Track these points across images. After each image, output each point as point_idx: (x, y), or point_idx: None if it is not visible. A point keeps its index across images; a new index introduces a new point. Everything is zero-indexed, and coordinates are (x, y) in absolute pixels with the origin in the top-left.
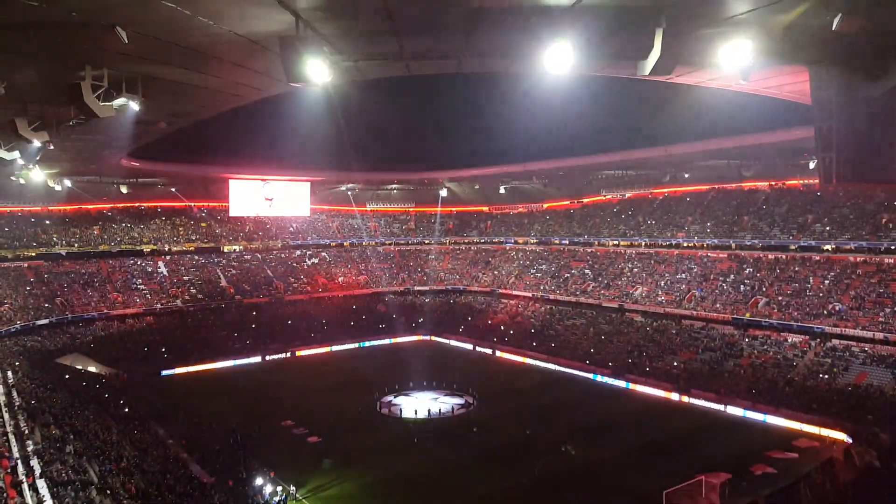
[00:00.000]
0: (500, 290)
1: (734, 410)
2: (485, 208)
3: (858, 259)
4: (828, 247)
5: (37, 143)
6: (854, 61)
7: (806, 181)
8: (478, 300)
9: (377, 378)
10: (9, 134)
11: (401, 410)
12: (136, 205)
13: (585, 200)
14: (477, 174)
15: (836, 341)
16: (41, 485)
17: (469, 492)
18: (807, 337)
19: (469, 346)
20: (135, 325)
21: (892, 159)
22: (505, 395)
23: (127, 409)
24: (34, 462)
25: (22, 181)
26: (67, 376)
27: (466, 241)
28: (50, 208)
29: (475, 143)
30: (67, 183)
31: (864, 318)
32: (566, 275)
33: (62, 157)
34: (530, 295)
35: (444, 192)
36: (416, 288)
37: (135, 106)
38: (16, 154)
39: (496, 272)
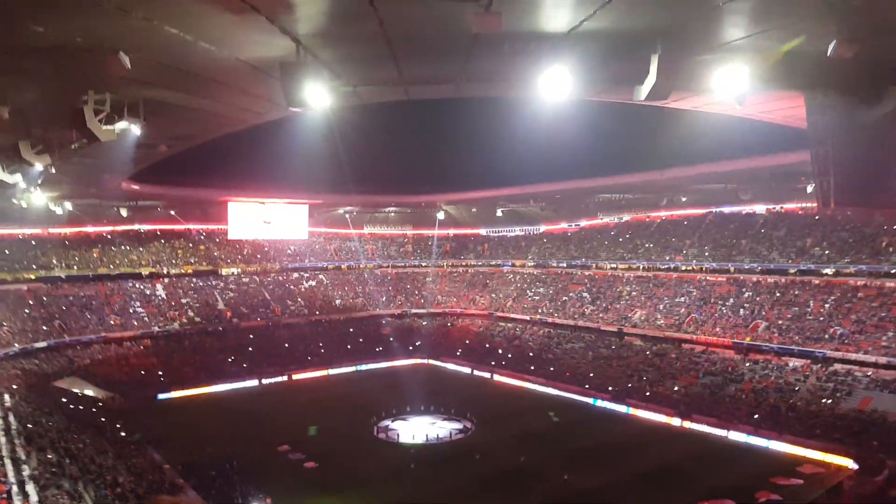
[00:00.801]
0: (498, 314)
1: (736, 436)
2: (482, 231)
3: (859, 283)
4: (828, 270)
5: (39, 167)
6: (849, 87)
7: (804, 205)
8: (475, 323)
9: (374, 402)
10: (11, 157)
11: (398, 435)
12: (136, 228)
13: (583, 223)
14: (474, 197)
15: (838, 366)
16: None
17: None
18: (808, 361)
19: (467, 370)
20: (132, 349)
21: (888, 184)
22: (503, 419)
23: (123, 434)
24: (30, 487)
25: (23, 204)
26: (65, 399)
27: (464, 263)
28: (50, 231)
29: (472, 167)
30: (68, 206)
31: (866, 342)
32: (564, 298)
33: (63, 180)
34: (528, 318)
35: (441, 215)
36: (414, 311)
37: (136, 130)
38: (18, 177)
39: (494, 295)
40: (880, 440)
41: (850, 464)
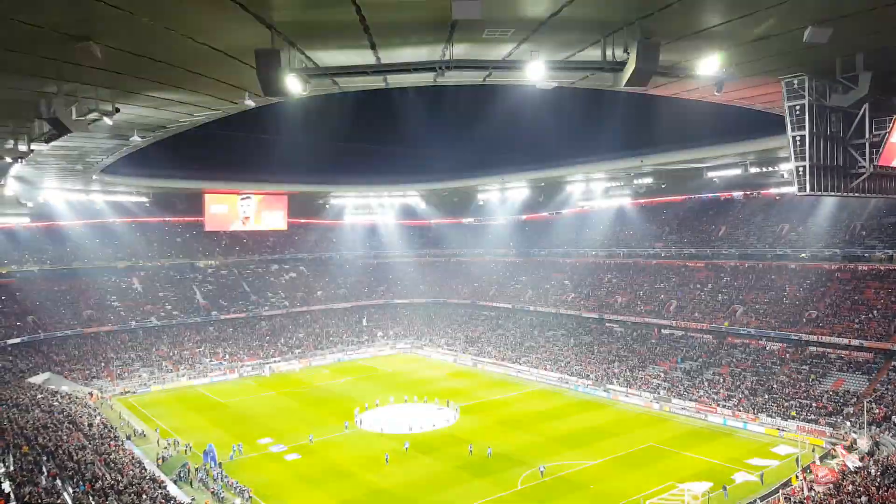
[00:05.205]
0: (481, 302)
1: (714, 419)
2: (464, 220)
3: (833, 267)
4: (803, 255)
5: (8, 159)
6: (824, 72)
7: (781, 191)
8: (458, 312)
9: (357, 393)
10: None
11: (381, 425)
12: (111, 220)
13: (564, 211)
14: (456, 186)
15: (812, 348)
16: None
17: None
18: (784, 344)
19: (450, 359)
20: (109, 343)
21: (862, 169)
22: (487, 407)
23: (102, 429)
24: (6, 485)
25: None
26: (40, 396)
27: (446, 252)
28: (22, 224)
29: (453, 155)
30: (40, 199)
31: (839, 325)
32: (546, 285)
33: (34, 172)
34: (510, 306)
35: (423, 205)
36: (396, 300)
37: (108, 120)
38: None
39: (476, 284)
40: (852, 419)
41: (823, 443)
